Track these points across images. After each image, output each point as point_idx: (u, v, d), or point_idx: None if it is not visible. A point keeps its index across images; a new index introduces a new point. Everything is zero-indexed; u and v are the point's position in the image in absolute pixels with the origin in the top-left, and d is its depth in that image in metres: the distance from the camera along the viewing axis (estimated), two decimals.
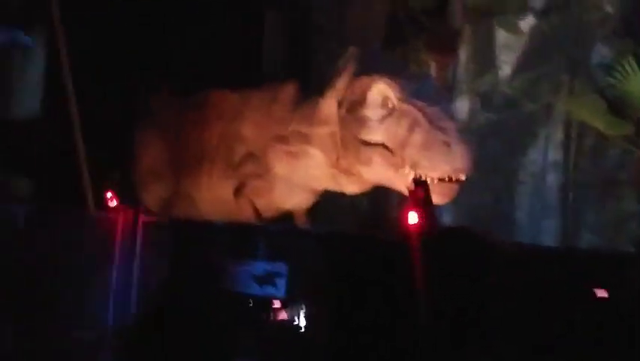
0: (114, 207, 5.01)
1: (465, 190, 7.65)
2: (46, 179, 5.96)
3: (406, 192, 5.11)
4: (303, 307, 4.33)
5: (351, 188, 5.61)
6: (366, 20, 7.72)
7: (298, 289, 4.31)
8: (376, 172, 5.27)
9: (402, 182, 5.12)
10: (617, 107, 6.80)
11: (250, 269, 4.45)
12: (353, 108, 5.32)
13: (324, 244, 4.47)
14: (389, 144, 5.16)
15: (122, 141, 6.22)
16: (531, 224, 7.38)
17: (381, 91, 5.21)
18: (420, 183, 4.67)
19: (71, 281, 4.72)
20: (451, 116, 5.63)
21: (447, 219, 7.74)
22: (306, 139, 5.53)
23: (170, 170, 6.26)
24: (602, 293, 4.26)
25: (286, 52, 7.75)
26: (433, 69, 7.16)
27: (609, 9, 7.09)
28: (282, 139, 5.65)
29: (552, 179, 7.31)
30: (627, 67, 6.55)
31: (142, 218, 4.87)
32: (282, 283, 4.35)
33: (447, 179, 5.05)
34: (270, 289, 4.35)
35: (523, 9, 7.35)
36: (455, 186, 5.17)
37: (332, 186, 5.67)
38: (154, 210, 6.00)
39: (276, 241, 4.57)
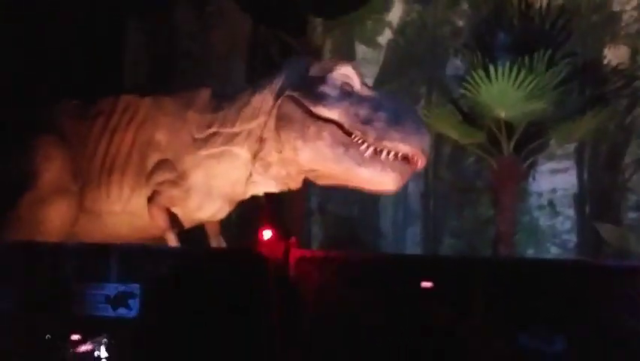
0: None
1: (332, 202, 7.84)
2: None
3: (353, 174, 4.81)
4: (105, 339, 4.26)
5: (266, 187, 5.27)
6: (230, 40, 7.79)
7: (152, 308, 4.27)
8: (319, 150, 4.90)
9: (353, 160, 4.79)
10: (470, 117, 7.12)
11: (102, 291, 4.37)
12: (306, 85, 5.03)
13: (176, 262, 4.44)
14: (346, 123, 4.86)
15: None
16: (395, 232, 7.61)
17: (344, 73, 4.96)
18: (270, 198, 4.63)
19: None
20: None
21: (315, 230, 7.90)
22: (229, 139, 5.30)
23: (76, 184, 5.71)
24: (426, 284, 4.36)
25: (150, 72, 7.71)
26: None
27: (460, 23, 7.42)
28: (201, 143, 5.40)
29: (413, 188, 7.58)
30: (478, 79, 6.83)
31: None
32: (135, 303, 4.29)
33: (410, 158, 4.78)
34: (123, 311, 4.29)
35: (380, 24, 7.61)
36: (410, 172, 4.89)
37: (251, 188, 5.31)
38: (56, 230, 5.63)
39: (129, 261, 4.49)
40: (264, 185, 5.27)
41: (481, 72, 6.85)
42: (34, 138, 5.86)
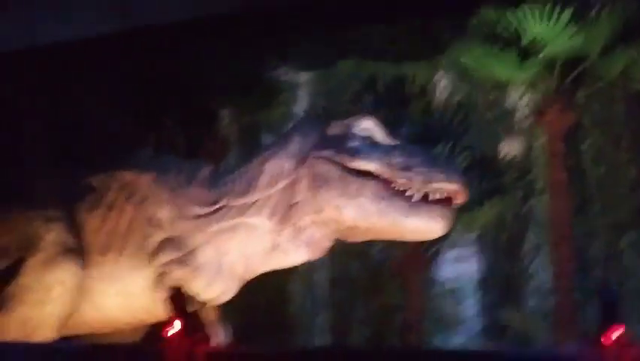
0: None
1: (238, 291, 7.75)
2: None
3: (400, 225, 4.85)
4: None
5: (296, 255, 5.16)
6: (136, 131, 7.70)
7: None
8: (363, 207, 4.88)
9: (398, 212, 4.81)
10: None
11: None
12: (332, 144, 5.03)
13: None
14: (385, 174, 4.90)
15: None
16: (304, 320, 7.59)
17: (366, 127, 5.04)
18: (176, 293, 4.48)
19: None
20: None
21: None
22: (242, 210, 5.12)
23: (79, 244, 5.37)
24: None
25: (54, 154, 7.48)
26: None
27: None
28: (209, 219, 5.21)
29: (321, 276, 7.62)
30: None
31: None
32: None
33: (454, 197, 4.89)
34: None
35: (287, 114, 7.76)
36: (451, 213, 4.97)
37: (274, 260, 5.20)
38: (67, 294, 5.02)
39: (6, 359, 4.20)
40: (295, 253, 5.12)
41: None
42: (28, 207, 5.44)
